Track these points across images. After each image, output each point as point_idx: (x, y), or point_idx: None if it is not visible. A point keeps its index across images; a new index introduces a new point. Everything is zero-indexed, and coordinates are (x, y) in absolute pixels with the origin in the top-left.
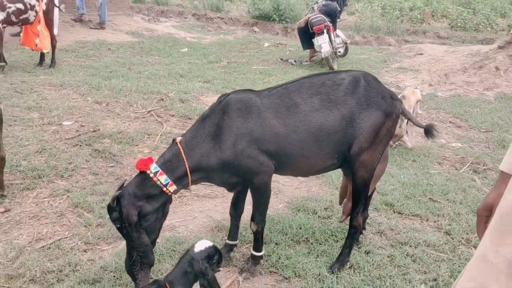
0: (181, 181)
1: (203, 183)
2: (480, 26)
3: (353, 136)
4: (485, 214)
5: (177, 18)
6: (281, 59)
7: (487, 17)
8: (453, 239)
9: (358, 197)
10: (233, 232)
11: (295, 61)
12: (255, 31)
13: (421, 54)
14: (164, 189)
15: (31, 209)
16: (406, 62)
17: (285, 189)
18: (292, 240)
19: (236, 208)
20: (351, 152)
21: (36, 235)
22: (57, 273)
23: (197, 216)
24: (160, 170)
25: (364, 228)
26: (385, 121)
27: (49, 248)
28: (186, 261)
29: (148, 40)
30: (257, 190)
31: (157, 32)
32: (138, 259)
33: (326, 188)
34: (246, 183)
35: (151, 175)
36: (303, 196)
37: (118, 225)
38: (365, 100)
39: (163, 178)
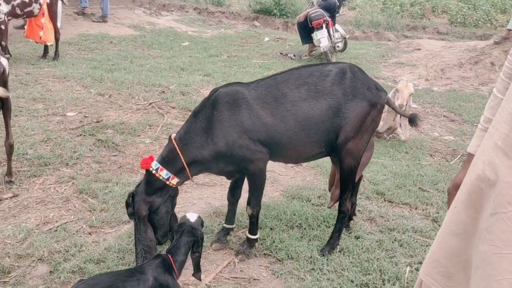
0: (181, 174)
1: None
2: (479, 22)
3: (339, 125)
4: (454, 192)
5: (179, 12)
6: (280, 53)
7: (487, 13)
8: (440, 226)
9: (345, 183)
10: (230, 216)
11: (294, 55)
12: (255, 26)
13: (419, 49)
14: (167, 182)
15: (38, 194)
16: (404, 57)
17: (281, 179)
18: (286, 225)
19: (234, 194)
20: (338, 140)
21: (43, 219)
22: (64, 253)
23: (196, 202)
24: (161, 166)
25: (355, 214)
26: (370, 111)
27: (56, 230)
28: (187, 231)
29: (149, 34)
30: (252, 176)
31: (159, 25)
32: (142, 252)
33: (321, 177)
34: (242, 170)
35: (154, 171)
36: (298, 185)
37: (133, 219)
38: (351, 90)
39: (164, 173)
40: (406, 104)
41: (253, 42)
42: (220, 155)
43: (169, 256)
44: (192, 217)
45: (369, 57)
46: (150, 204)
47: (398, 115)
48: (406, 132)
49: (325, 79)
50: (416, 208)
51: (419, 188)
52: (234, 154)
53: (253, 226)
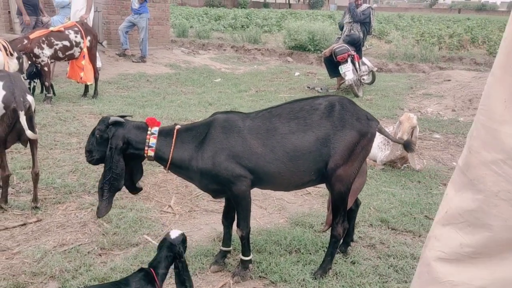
0: (161, 158)
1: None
2: None
3: (328, 155)
4: None
5: (216, 51)
6: (307, 87)
7: None
8: None
9: (337, 209)
10: (226, 239)
11: (321, 88)
12: (288, 61)
13: (449, 80)
14: (146, 148)
15: (59, 219)
16: (432, 88)
17: (289, 206)
18: (285, 250)
19: (227, 217)
20: (328, 168)
21: (60, 241)
22: (73, 272)
23: (202, 228)
24: (156, 135)
25: (353, 240)
26: (360, 140)
27: (70, 252)
28: (166, 246)
29: (184, 72)
30: (236, 198)
31: (194, 64)
32: (111, 179)
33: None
34: (225, 191)
35: (149, 132)
36: (304, 212)
37: (98, 136)
38: (339, 122)
39: (152, 142)
40: (411, 136)
41: (283, 77)
42: (205, 172)
43: (151, 269)
44: (174, 234)
45: (398, 89)
46: (124, 142)
47: None
48: (414, 161)
49: (315, 113)
50: (419, 236)
51: (425, 216)
52: (219, 174)
53: (245, 247)
